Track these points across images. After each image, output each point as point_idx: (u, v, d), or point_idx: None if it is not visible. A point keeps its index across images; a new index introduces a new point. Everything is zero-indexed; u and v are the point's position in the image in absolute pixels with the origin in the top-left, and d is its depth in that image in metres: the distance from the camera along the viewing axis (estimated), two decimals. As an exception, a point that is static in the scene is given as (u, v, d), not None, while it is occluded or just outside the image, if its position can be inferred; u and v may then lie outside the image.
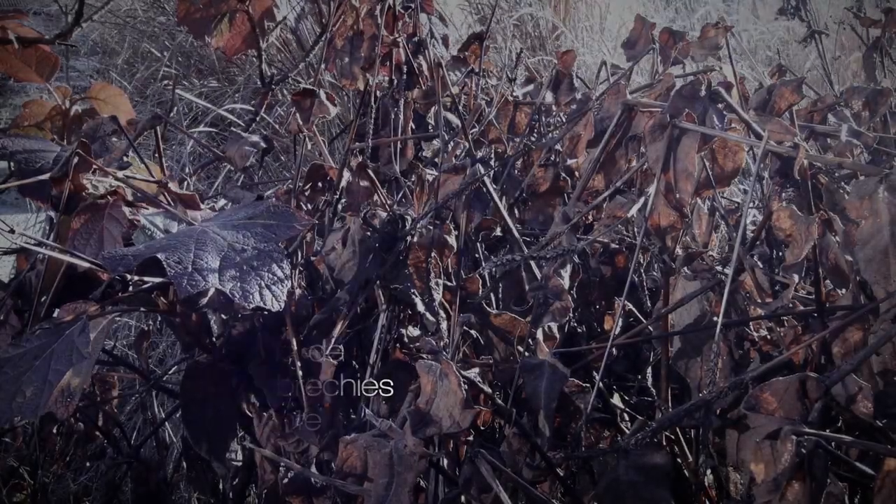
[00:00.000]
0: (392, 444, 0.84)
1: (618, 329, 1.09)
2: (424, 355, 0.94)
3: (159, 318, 1.85)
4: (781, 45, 4.34)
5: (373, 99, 1.41)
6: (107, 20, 4.13)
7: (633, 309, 1.33)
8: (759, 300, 1.08)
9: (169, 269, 0.94)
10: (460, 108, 1.54)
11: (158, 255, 0.95)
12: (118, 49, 4.10)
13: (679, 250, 1.13)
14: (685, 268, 1.13)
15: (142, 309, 1.16)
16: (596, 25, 4.28)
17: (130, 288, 1.09)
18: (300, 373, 1.14)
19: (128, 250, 1.00)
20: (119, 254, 0.99)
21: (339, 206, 1.32)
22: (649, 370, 1.35)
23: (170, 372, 1.77)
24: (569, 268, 1.11)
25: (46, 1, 4.60)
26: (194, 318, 1.20)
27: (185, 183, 1.53)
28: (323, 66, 1.60)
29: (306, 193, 1.37)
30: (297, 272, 1.27)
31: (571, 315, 1.16)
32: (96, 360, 1.04)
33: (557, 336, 1.15)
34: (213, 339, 1.24)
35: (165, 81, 3.69)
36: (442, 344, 1.12)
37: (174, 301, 1.13)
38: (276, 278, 0.98)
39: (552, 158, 1.43)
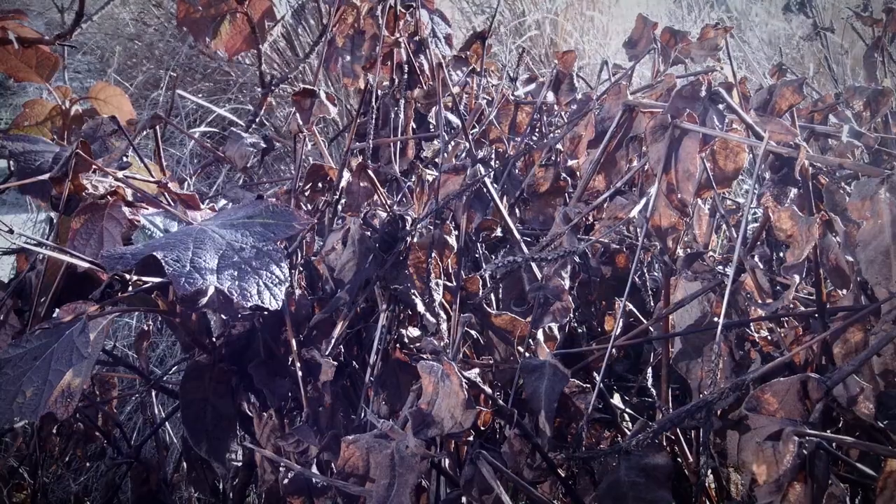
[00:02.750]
0: (394, 444, 0.84)
1: (618, 329, 1.09)
2: (425, 356, 0.93)
3: (159, 319, 1.84)
4: (788, 39, 4.32)
5: (374, 98, 1.41)
6: (101, 29, 4.13)
7: (635, 310, 1.33)
8: (759, 301, 1.08)
9: (167, 268, 0.94)
10: (461, 107, 1.54)
11: (157, 254, 0.95)
12: (115, 57, 4.09)
13: (680, 251, 1.13)
14: (686, 268, 1.13)
15: (142, 309, 1.16)
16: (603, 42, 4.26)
17: (130, 288, 1.09)
18: (300, 373, 1.13)
19: (127, 249, 1.00)
20: (118, 252, 0.99)
21: (339, 207, 1.32)
22: (650, 371, 1.35)
23: (170, 372, 1.77)
24: (569, 268, 1.11)
25: (47, 2, 4.59)
26: (194, 318, 1.20)
27: (186, 183, 1.52)
28: (322, 66, 1.60)
29: (306, 193, 1.37)
30: (297, 272, 1.27)
31: (572, 315, 1.16)
32: (96, 360, 1.03)
33: (558, 336, 1.15)
34: (213, 339, 1.24)
35: (163, 86, 3.69)
36: (442, 344, 1.12)
37: (174, 301, 1.13)
38: (274, 277, 0.98)
39: (553, 158, 1.43)
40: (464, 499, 0.99)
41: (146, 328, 1.57)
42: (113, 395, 1.59)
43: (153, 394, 1.62)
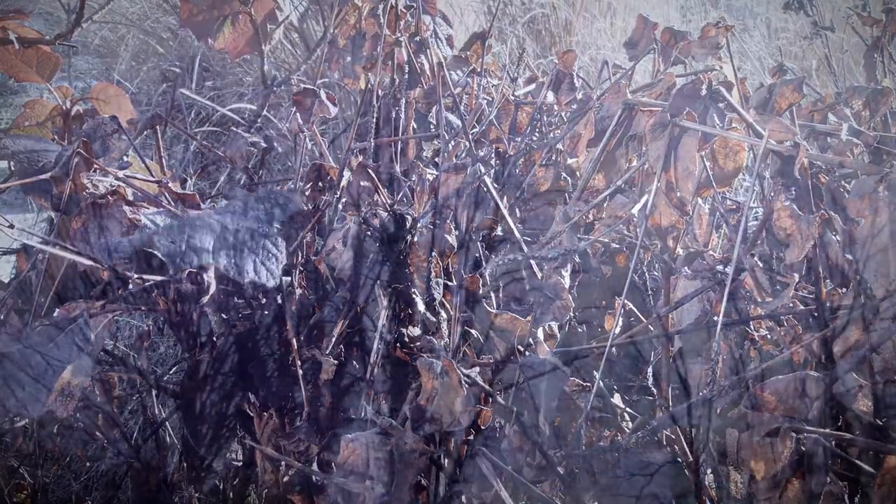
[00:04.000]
0: (393, 441, 0.84)
1: (618, 328, 1.09)
2: (425, 354, 0.93)
3: (160, 319, 1.85)
4: (793, 37, 4.31)
5: (374, 98, 1.41)
6: (109, 20, 4.12)
7: (634, 308, 1.33)
8: (759, 299, 1.08)
9: (163, 248, 0.94)
10: (461, 107, 1.54)
11: (153, 238, 0.96)
12: (121, 53, 4.09)
13: (680, 250, 1.13)
14: (686, 267, 1.13)
15: (142, 308, 1.16)
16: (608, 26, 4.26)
17: (130, 286, 1.09)
18: (300, 372, 1.14)
19: (124, 238, 1.01)
20: (116, 241, 0.99)
21: (340, 206, 1.32)
22: (649, 370, 1.35)
23: (170, 372, 1.77)
24: (569, 267, 1.11)
25: (50, 0, 4.59)
26: (195, 317, 1.20)
27: (187, 183, 1.53)
28: (325, 65, 1.60)
29: (307, 193, 1.37)
30: (297, 272, 1.27)
31: (572, 314, 1.16)
32: (96, 359, 1.04)
33: (558, 335, 1.15)
34: (214, 339, 1.24)
35: (167, 84, 3.68)
36: (442, 343, 1.12)
37: (175, 300, 1.13)
38: (270, 255, 0.99)
39: (553, 158, 1.43)
40: (464, 497, 0.99)
41: (146, 328, 1.57)
42: (113, 395, 1.58)
43: (153, 394, 1.62)
